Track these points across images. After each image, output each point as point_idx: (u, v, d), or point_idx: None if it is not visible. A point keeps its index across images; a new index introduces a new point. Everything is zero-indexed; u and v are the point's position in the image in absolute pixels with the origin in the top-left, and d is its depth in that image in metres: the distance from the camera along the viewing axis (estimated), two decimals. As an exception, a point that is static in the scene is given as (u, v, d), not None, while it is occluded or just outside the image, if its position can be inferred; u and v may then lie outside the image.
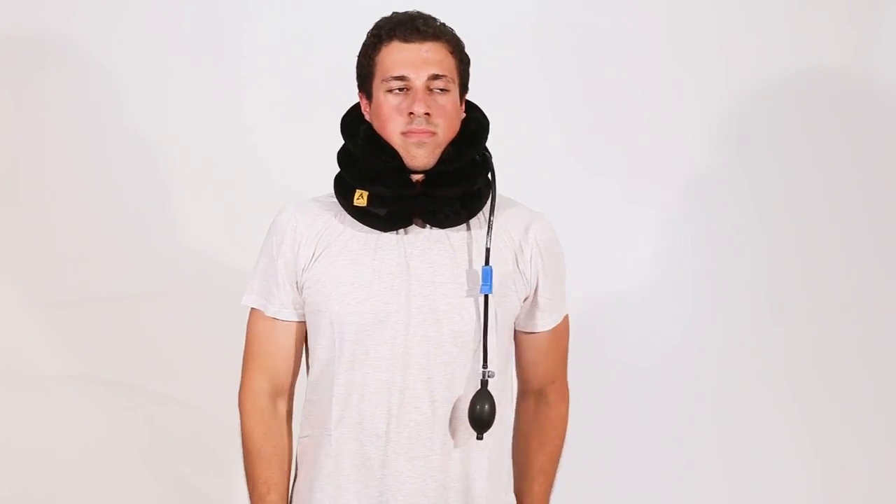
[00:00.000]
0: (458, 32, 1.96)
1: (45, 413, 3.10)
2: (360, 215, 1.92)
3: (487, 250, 1.90)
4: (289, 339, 1.97)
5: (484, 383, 1.88)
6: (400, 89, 1.88)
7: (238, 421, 2.00)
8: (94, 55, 3.13)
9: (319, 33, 3.14)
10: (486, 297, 1.89)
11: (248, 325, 2.00)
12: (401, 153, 1.88)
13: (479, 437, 1.89)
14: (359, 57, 1.96)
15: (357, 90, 1.99)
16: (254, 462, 1.96)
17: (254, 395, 1.96)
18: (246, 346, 1.99)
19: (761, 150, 3.21)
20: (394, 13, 1.93)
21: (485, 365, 1.89)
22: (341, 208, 1.94)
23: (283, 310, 1.95)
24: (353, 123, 1.99)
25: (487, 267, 1.89)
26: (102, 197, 3.14)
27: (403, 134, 1.88)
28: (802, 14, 3.20)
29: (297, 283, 1.94)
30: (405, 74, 1.88)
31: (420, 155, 1.88)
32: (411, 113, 1.87)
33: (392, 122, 1.88)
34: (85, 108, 3.13)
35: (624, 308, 3.20)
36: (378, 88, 1.90)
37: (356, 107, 2.02)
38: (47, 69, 3.13)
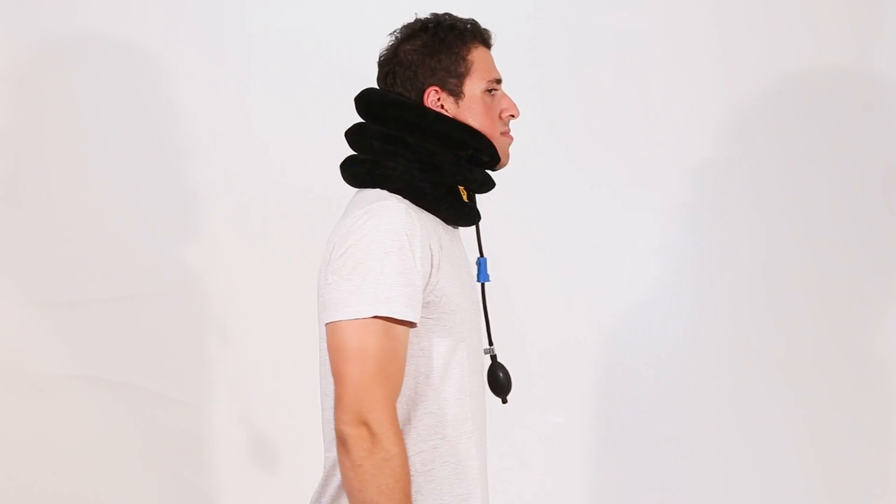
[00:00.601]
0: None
1: (44, 413, 3.11)
2: (459, 211, 1.90)
3: (479, 242, 2.03)
4: (406, 348, 1.79)
5: (494, 356, 2.04)
6: (491, 91, 1.93)
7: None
8: (95, 55, 3.14)
9: (324, 35, 3.14)
10: (483, 284, 2.04)
11: (367, 340, 1.73)
12: (499, 153, 1.94)
13: (504, 401, 2.06)
14: (435, 53, 1.89)
15: (423, 85, 1.90)
16: (407, 488, 1.75)
17: (396, 420, 1.75)
18: (371, 365, 1.72)
19: (762, 150, 3.20)
20: (447, 14, 1.94)
21: (490, 343, 2.04)
22: (412, 206, 1.83)
23: (418, 315, 1.78)
24: (466, 125, 1.90)
25: (483, 258, 2.02)
26: (103, 197, 3.14)
27: (503, 134, 1.95)
28: (803, 13, 3.20)
29: (427, 284, 1.80)
30: (501, 78, 1.95)
31: (509, 155, 1.97)
32: (513, 115, 1.94)
33: (497, 123, 1.93)
34: (86, 109, 3.14)
35: (624, 309, 3.20)
36: (476, 87, 1.91)
37: (419, 102, 1.90)
38: (49, 69, 3.14)
